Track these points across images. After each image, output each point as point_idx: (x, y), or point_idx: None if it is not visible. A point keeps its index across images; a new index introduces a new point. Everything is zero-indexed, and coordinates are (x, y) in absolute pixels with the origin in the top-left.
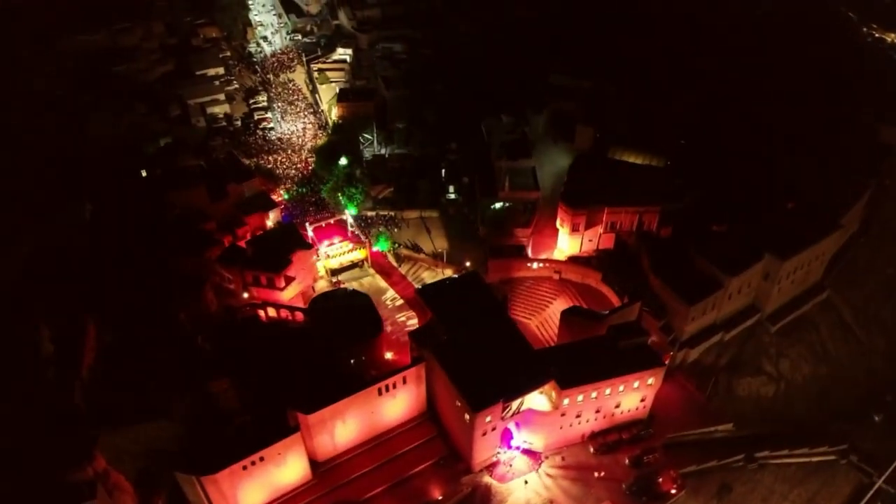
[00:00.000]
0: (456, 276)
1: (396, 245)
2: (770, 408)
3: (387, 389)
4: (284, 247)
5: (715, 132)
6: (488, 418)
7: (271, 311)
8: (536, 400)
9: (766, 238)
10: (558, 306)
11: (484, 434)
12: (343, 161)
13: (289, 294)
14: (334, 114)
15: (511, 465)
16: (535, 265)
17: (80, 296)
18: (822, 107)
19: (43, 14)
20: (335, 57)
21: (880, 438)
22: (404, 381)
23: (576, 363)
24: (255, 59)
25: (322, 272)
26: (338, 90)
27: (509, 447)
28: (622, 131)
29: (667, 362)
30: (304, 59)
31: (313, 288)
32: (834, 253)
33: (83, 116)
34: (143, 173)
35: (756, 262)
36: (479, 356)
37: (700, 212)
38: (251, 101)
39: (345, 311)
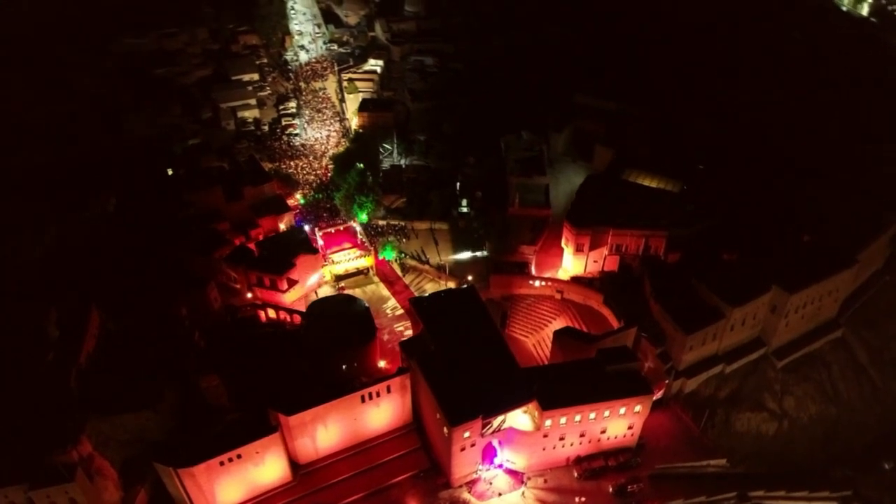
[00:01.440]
0: (452, 288)
1: (402, 255)
2: (770, 446)
3: (370, 397)
4: (290, 250)
5: (735, 159)
6: (466, 433)
7: (271, 313)
8: (520, 419)
9: (777, 270)
10: (557, 326)
11: (463, 449)
12: (355, 169)
13: (291, 297)
14: (354, 123)
15: (491, 484)
16: (537, 283)
17: (91, 284)
18: (850, 137)
19: (101, 17)
20: (366, 67)
21: (887, 488)
22: (388, 390)
23: (561, 384)
24: (289, 67)
25: (328, 277)
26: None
27: (492, 465)
28: (641, 154)
29: (662, 391)
30: (336, 68)
31: (316, 292)
32: (853, 290)
33: (121, 115)
34: (170, 172)
35: (762, 293)
36: (464, 370)
37: (711, 239)
38: (281, 107)
39: (340, 317)
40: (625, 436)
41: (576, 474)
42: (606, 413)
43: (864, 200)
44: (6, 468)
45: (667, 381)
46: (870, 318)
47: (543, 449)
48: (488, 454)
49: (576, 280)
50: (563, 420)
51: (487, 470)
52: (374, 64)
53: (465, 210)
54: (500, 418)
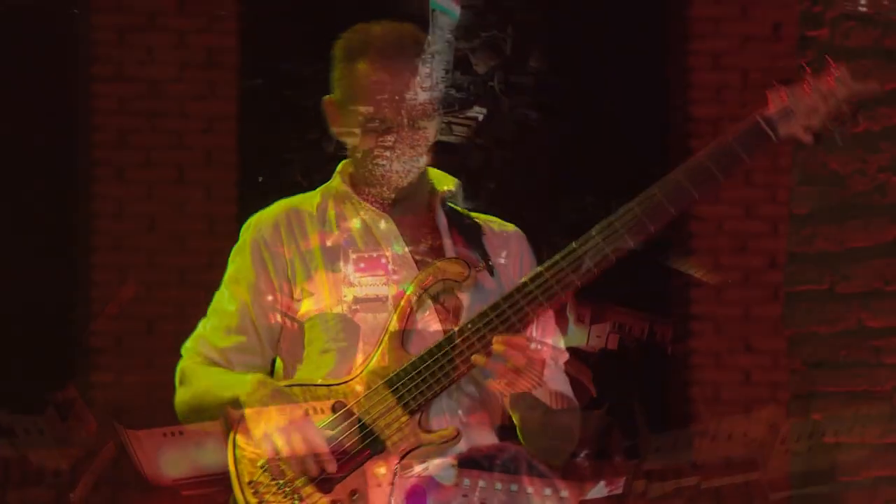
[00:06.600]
0: None
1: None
2: None
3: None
4: None
5: None
6: (381, 469)
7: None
8: (447, 472)
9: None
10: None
11: (379, 486)
12: None
13: (303, 308)
14: None
15: None
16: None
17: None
18: None
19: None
20: (469, 113)
21: None
22: None
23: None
24: None
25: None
26: None
27: None
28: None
29: (621, 488)
30: (441, 109)
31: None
32: None
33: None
34: (260, 179)
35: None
36: None
37: None
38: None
39: None
40: None
41: None
42: (529, 489)
43: None
44: (5, 388)
45: (625, 478)
46: None
47: None
48: (418, 500)
49: (571, 350)
50: (482, 483)
51: None
52: (478, 111)
53: None
54: (423, 465)
